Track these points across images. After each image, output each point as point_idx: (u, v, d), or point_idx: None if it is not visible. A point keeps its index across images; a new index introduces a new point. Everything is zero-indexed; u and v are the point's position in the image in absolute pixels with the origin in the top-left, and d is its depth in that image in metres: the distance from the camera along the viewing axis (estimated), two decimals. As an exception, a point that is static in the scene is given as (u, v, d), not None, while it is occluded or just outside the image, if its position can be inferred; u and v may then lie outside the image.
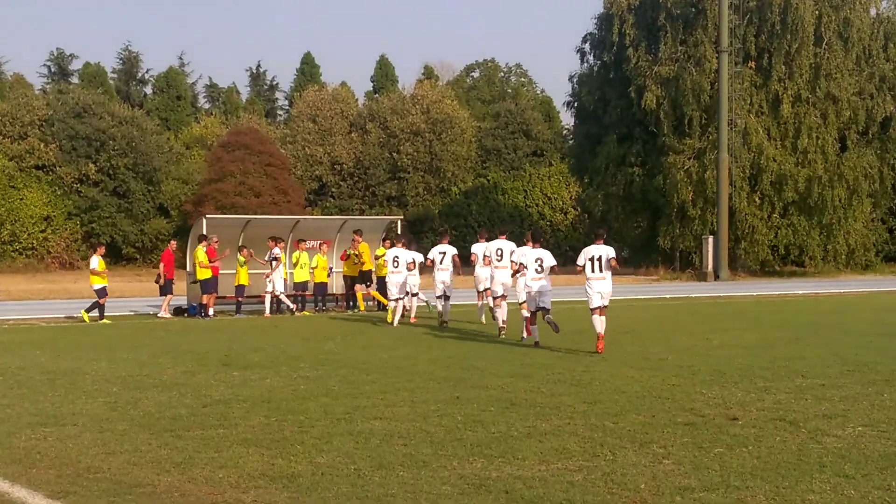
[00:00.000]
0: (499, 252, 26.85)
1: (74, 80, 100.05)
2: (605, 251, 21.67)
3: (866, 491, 9.49)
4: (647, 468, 10.37)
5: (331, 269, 35.79)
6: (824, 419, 12.99)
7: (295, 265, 34.49)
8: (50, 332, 28.16)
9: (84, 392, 16.13)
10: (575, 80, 75.21)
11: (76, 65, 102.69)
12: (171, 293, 33.81)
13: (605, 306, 21.78)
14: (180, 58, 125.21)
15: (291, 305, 34.07)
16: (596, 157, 70.61)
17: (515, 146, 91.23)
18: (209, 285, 32.63)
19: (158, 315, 32.93)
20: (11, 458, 11.23)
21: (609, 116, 69.81)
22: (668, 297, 43.45)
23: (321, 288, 34.94)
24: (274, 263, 33.39)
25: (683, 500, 9.10)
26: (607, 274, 21.69)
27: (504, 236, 27.71)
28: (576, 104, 76.55)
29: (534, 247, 23.32)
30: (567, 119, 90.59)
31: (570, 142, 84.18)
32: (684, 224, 65.91)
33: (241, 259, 33.54)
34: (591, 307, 21.70)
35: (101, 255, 33.49)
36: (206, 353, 21.70)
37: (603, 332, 21.34)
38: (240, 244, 34.40)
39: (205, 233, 33.30)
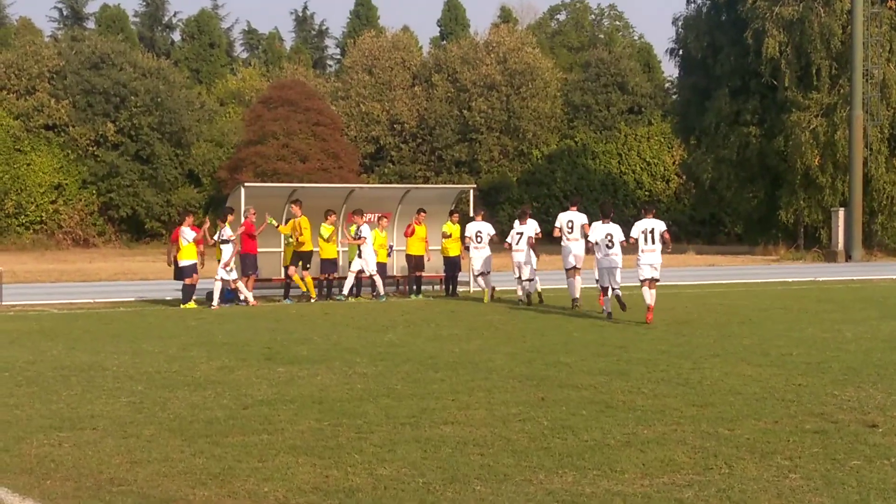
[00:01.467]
0: (570, 224, 30.50)
1: (90, 25, 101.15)
2: (658, 224, 26.34)
3: None
4: (771, 483, 10.36)
5: (391, 247, 35.87)
6: None
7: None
8: (63, 320, 28.43)
9: (104, 391, 16.32)
10: (680, 23, 74.72)
11: (92, 7, 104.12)
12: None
13: (656, 279, 26.27)
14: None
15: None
16: (704, 115, 70.06)
17: (608, 102, 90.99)
18: (245, 265, 32.78)
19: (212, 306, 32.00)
20: (22, 468, 11.39)
21: (720, 66, 69.21)
22: (790, 280, 43.12)
23: (380, 268, 34.99)
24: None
25: (817, 523, 9.09)
26: (658, 246, 26.18)
27: (575, 207, 31.62)
28: (680, 52, 76.00)
29: (604, 222, 27.57)
30: (670, 70, 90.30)
31: (674, 97, 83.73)
32: (810, 194, 65.31)
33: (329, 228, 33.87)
34: (641, 279, 26.16)
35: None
36: (246, 346, 21.87)
37: (653, 304, 25.49)
38: (285, 217, 34.56)
39: (243, 204, 33.49)
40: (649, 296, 25.62)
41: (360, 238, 33.33)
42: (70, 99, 78.97)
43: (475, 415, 14.03)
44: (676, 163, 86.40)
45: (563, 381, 16.70)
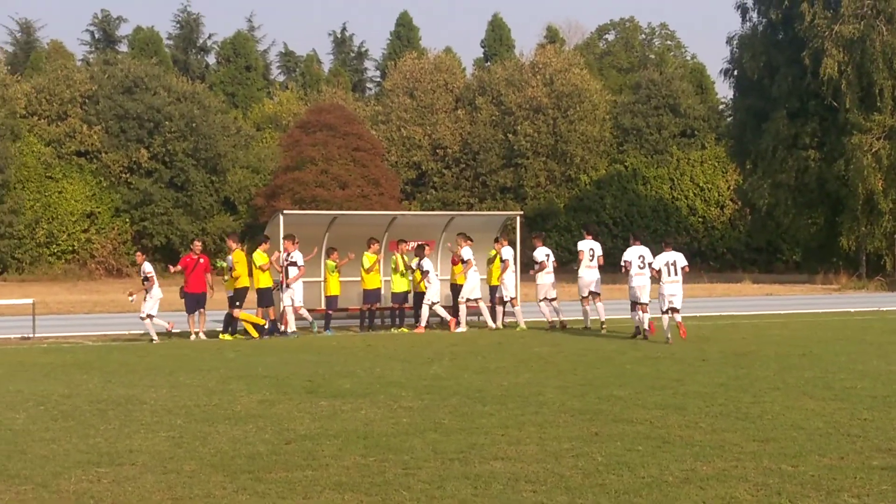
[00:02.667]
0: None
1: (123, 48, 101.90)
2: (679, 257, 29.65)
3: None
4: (839, 524, 10.36)
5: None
6: None
7: (394, 271, 34.77)
8: (98, 352, 28.66)
9: (142, 425, 16.49)
10: (734, 42, 74.59)
11: (125, 30, 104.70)
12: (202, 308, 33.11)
13: (677, 309, 29.25)
14: (249, 20, 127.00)
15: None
16: (761, 138, 69.89)
17: (660, 125, 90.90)
18: (269, 295, 33.00)
19: (192, 337, 32.57)
20: (58, 504, 11.53)
21: (777, 88, 69.03)
22: (852, 310, 42.90)
23: (417, 298, 35.15)
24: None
25: (885, 563, 9.08)
26: (680, 278, 29.40)
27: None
28: (735, 72, 75.86)
29: (635, 244, 31.45)
30: (724, 91, 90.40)
31: (729, 119, 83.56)
32: (872, 220, 65.16)
33: (332, 264, 34.01)
34: (663, 309, 29.29)
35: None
36: (287, 379, 21.98)
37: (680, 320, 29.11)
38: (326, 246, 34.77)
39: (282, 232, 33.66)
40: (667, 324, 29.11)
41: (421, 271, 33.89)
42: (103, 124, 79.60)
43: (526, 450, 14.10)
44: (731, 188, 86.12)
45: (618, 416, 16.75)
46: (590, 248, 34.23)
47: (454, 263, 35.35)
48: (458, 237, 35.01)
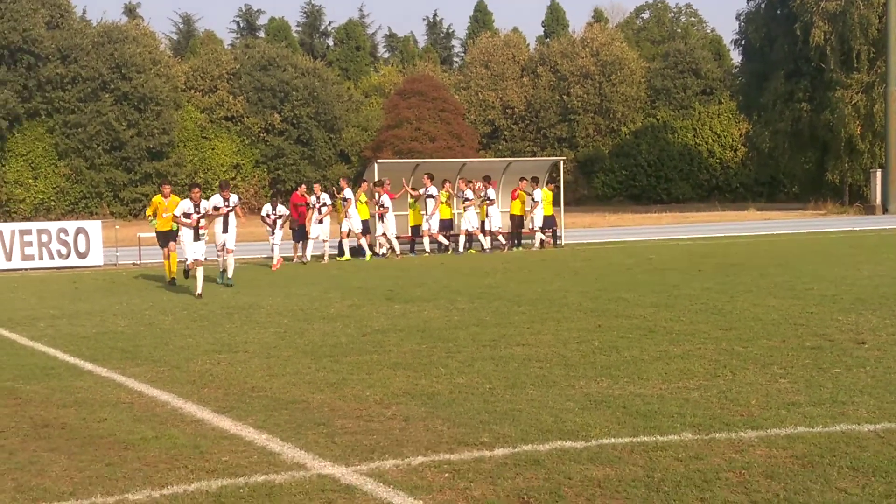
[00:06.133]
0: None
1: (261, 34, 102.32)
2: None
3: (964, 405, 9.70)
4: (762, 387, 10.68)
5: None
6: (948, 342, 13.08)
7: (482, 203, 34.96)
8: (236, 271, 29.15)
9: (257, 324, 17.07)
10: (742, 18, 74.04)
11: (262, 20, 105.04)
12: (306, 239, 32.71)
13: None
14: (360, 10, 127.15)
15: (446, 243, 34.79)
16: (763, 94, 69.57)
17: (685, 85, 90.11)
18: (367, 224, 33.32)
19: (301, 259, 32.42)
20: (187, 380, 12.14)
21: (776, 53, 68.66)
22: (831, 230, 42.70)
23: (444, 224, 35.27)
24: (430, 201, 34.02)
25: (788, 414, 9.44)
26: None
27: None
28: (743, 42, 75.43)
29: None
30: (736, 57, 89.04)
31: (739, 80, 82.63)
32: (853, 158, 64.79)
33: (411, 201, 34.35)
34: None
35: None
36: (373, 289, 22.40)
37: None
38: (411, 186, 34.99)
39: (376, 177, 34.00)
40: None
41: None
42: (244, 95, 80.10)
43: (542, 338, 14.45)
44: (741, 135, 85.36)
45: (620, 312, 16.99)
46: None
47: (513, 198, 35.61)
48: (482, 180, 35.31)
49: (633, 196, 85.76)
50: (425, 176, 34.37)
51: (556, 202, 36.88)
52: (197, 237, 22.94)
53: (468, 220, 34.41)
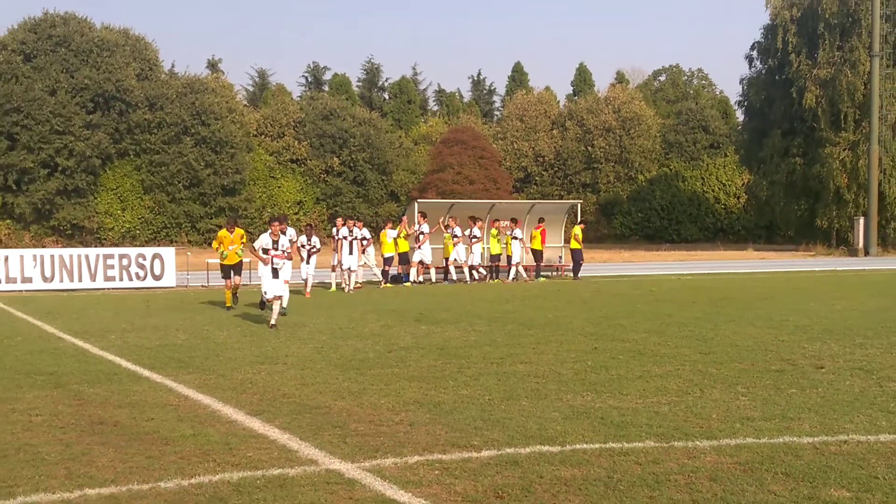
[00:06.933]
0: None
1: (325, 88, 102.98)
2: None
3: (896, 422, 9.73)
4: (725, 403, 10.75)
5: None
6: (896, 369, 13.07)
7: (493, 238, 35.02)
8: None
9: (299, 339, 17.24)
10: (745, 82, 73.70)
11: (328, 75, 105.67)
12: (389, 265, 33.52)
13: None
14: (413, 68, 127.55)
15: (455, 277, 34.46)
16: (762, 149, 69.38)
17: (695, 140, 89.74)
18: (406, 256, 33.48)
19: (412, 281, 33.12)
20: (229, 387, 12.34)
21: (774, 113, 68.51)
22: (817, 269, 42.46)
23: (508, 260, 35.49)
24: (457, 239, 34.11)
25: (742, 427, 9.52)
26: None
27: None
28: (745, 103, 75.24)
29: None
30: (740, 116, 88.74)
31: (742, 136, 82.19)
32: (840, 207, 64.56)
33: (447, 235, 34.47)
34: None
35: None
36: (406, 311, 22.49)
37: None
38: (446, 223, 35.12)
39: (417, 213, 34.15)
40: None
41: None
42: (308, 141, 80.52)
43: (544, 357, 14.56)
44: (744, 184, 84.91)
45: (615, 337, 17.06)
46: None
47: (532, 237, 35.68)
48: (466, 218, 34.88)
49: (648, 236, 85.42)
50: (444, 218, 34.64)
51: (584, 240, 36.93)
52: (276, 275, 20.29)
53: (457, 253, 34.40)
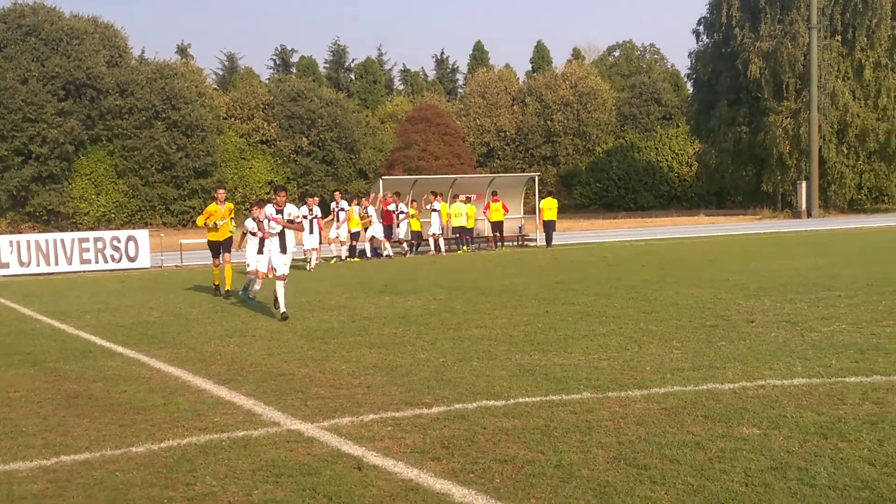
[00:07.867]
0: None
1: (293, 70, 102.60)
2: None
3: (811, 368, 10.12)
4: (659, 357, 11.11)
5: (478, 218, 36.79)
6: (820, 320, 13.44)
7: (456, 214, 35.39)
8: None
9: (268, 313, 17.32)
10: (693, 56, 74.30)
11: (295, 58, 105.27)
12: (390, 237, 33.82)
13: None
14: (379, 49, 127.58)
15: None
16: (711, 119, 70.23)
17: (648, 112, 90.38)
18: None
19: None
20: (199, 359, 12.57)
21: (721, 85, 69.29)
22: (762, 232, 43.01)
23: (469, 232, 35.78)
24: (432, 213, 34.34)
25: (672, 377, 9.88)
26: None
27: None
28: (693, 76, 75.92)
29: None
30: (690, 88, 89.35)
31: (691, 107, 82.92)
32: (783, 172, 65.56)
33: (412, 211, 34.74)
34: None
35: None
36: (371, 284, 22.69)
37: None
38: (410, 199, 35.50)
39: (381, 190, 34.41)
40: None
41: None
42: (277, 122, 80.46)
43: (497, 322, 14.80)
44: (694, 153, 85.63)
45: (566, 300, 17.31)
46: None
47: (486, 209, 36.07)
48: (430, 194, 34.96)
49: (606, 205, 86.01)
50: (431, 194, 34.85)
51: (523, 211, 37.31)
52: (261, 249, 18.45)
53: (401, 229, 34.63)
